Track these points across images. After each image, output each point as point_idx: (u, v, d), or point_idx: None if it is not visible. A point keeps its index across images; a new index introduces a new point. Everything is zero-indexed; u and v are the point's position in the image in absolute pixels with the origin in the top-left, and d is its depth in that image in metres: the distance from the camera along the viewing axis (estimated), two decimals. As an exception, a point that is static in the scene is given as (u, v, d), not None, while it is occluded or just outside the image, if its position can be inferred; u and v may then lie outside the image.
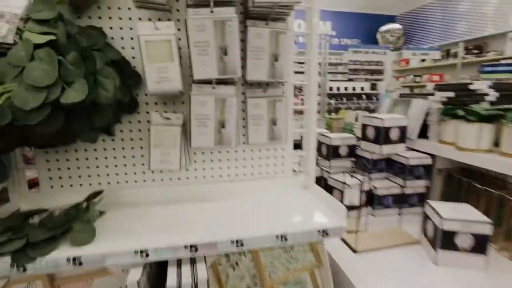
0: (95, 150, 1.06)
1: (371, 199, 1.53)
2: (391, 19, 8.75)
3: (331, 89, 6.70)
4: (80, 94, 0.68)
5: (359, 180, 1.37)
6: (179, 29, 1.01)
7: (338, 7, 8.29)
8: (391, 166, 1.61)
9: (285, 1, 0.89)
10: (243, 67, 1.01)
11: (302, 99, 1.24)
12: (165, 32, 0.84)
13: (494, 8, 6.31)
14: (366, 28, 8.77)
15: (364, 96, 7.03)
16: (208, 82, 0.96)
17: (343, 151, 1.70)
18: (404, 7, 8.54)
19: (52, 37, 0.73)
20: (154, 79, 0.85)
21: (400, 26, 8.43)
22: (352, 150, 1.71)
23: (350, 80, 7.93)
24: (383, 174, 1.65)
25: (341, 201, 1.46)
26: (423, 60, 7.46)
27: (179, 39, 0.99)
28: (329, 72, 7.70)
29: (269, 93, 1.08)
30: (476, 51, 6.47)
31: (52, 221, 0.83)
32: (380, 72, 8.35)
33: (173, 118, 1.00)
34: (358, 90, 6.80)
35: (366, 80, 7.93)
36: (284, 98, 1.07)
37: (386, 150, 1.53)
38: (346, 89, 6.76)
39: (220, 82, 0.99)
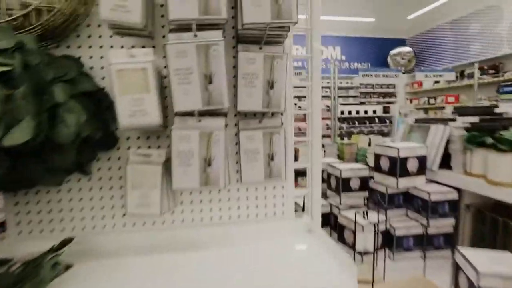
0: (69, 191, 0.94)
1: (389, 241, 1.34)
2: (401, 42, 8.72)
3: (342, 113, 6.57)
4: (25, 134, 0.56)
5: (373, 219, 1.20)
6: (164, 57, 0.91)
7: (347, 32, 8.34)
8: (410, 201, 1.43)
9: (278, 21, 0.78)
10: (235, 95, 0.89)
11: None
12: (141, 60, 0.74)
13: (508, 28, 6.17)
14: (376, 52, 8.75)
15: (377, 120, 6.86)
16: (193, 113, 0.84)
17: (354, 184, 1.53)
18: (413, 30, 8.51)
19: (5, 68, 0.63)
20: (127, 112, 0.74)
21: (411, 49, 8.36)
22: (364, 183, 1.54)
23: (362, 103, 7.82)
24: (401, 210, 1.45)
25: (354, 244, 1.27)
26: (437, 82, 7.30)
27: (165, 67, 0.89)
28: (340, 96, 7.62)
29: (265, 124, 0.95)
30: (492, 71, 6.28)
31: (3, 280, 0.69)
32: (392, 94, 8.21)
33: (154, 155, 0.87)
34: (370, 114, 6.64)
35: (378, 103, 7.80)
36: (283, 130, 0.94)
37: (404, 183, 1.36)
38: (358, 112, 6.62)
39: (208, 113, 0.87)
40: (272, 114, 0.99)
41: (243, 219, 1.03)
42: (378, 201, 1.41)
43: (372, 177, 1.50)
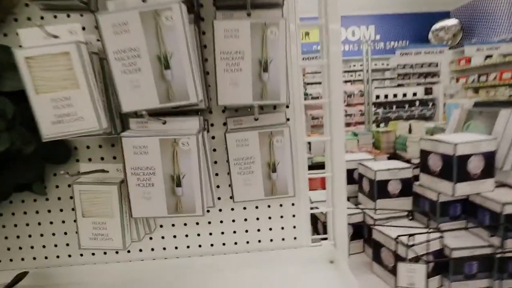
0: (24, 213, 0.76)
1: (443, 265, 1.02)
2: (444, 15, 7.78)
3: (377, 97, 6.02)
4: None
5: (421, 238, 0.90)
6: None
7: (381, 9, 7.59)
8: (472, 212, 1.09)
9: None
10: (211, 85, 0.63)
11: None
12: (63, 41, 0.50)
13: None
14: (415, 28, 7.91)
15: (417, 103, 6.20)
16: (157, 113, 0.60)
17: (393, 188, 1.22)
18: (459, 1, 7.54)
19: None
20: (48, 118, 0.51)
21: (457, 21, 7.44)
22: (407, 186, 1.22)
23: (400, 85, 7.12)
24: (459, 223, 1.12)
25: (394, 272, 0.98)
26: (489, 57, 6.42)
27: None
28: (375, 79, 7.01)
29: (263, 121, 0.69)
30: (559, 40, 5.33)
31: None
32: (435, 74, 7.38)
33: (111, 170, 0.65)
34: (409, 97, 6.01)
35: (419, 84, 7.05)
36: (287, 129, 0.67)
37: (463, 189, 1.02)
38: (395, 96, 6.02)
39: (179, 112, 0.63)
40: (274, 107, 0.72)
41: (241, 246, 0.79)
42: (427, 209, 1.09)
43: (416, 179, 1.18)
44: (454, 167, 1.00)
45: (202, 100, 0.57)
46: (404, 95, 5.98)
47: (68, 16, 0.67)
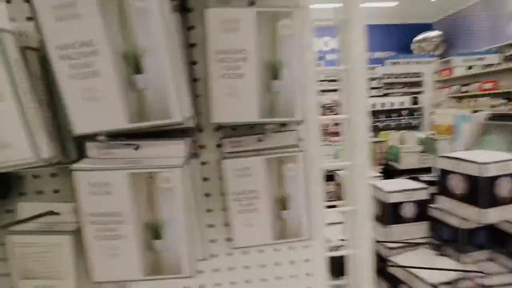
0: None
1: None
2: (426, 27, 7.96)
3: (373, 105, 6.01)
4: None
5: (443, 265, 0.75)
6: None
7: (366, 19, 7.69)
8: (499, 241, 0.96)
9: None
10: (199, 96, 0.47)
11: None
12: None
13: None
14: (399, 39, 8.06)
15: (404, 112, 6.23)
16: (126, 134, 0.43)
17: (408, 211, 1.08)
18: (440, 13, 7.75)
19: None
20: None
21: (439, 33, 7.61)
22: (422, 209, 1.08)
23: (386, 95, 7.16)
24: (484, 253, 0.98)
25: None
26: (470, 68, 6.57)
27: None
28: (362, 89, 7.03)
29: (269, 143, 0.53)
30: (537, 52, 5.51)
31: None
32: (418, 84, 7.48)
33: (65, 211, 0.47)
34: (397, 106, 6.02)
35: (404, 94, 7.11)
36: (302, 153, 0.51)
37: (493, 216, 0.89)
38: (383, 105, 6.02)
39: (153, 131, 0.46)
40: (283, 124, 0.56)
41: (242, 302, 0.61)
42: (447, 237, 0.95)
43: (431, 200, 1.04)
44: (482, 191, 0.87)
45: (189, 117, 0.40)
46: (392, 104, 5.98)
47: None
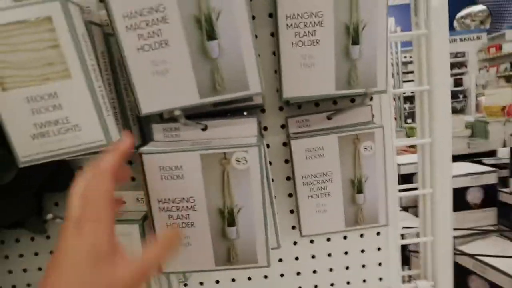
0: (20, 256, 0.58)
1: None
2: (470, 1, 7.32)
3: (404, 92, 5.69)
4: None
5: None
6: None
7: (399, 0, 7.21)
8: None
9: None
10: (275, 70, 0.43)
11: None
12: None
13: None
14: (438, 16, 7.47)
15: (446, 95, 5.82)
16: (194, 115, 0.40)
17: (475, 197, 0.98)
18: (486, -16, 7.07)
19: None
20: (25, 130, 0.32)
21: (484, 7, 6.97)
22: (491, 194, 0.98)
23: (425, 78, 6.72)
24: None
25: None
26: (522, 43, 5.97)
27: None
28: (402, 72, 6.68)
29: (341, 121, 0.48)
30: None
31: None
32: (462, 64, 6.94)
33: (129, 200, 0.45)
34: (438, 89, 5.64)
35: (445, 75, 6.63)
36: (380, 129, 0.45)
37: None
38: (422, 89, 5.67)
39: (223, 111, 0.42)
40: (353, 100, 0.51)
41: (309, 295, 0.57)
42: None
43: (502, 185, 0.93)
44: None
45: (262, 92, 0.36)
46: (432, 87, 5.61)
47: None
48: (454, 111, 5.79)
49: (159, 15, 0.31)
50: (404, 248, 0.69)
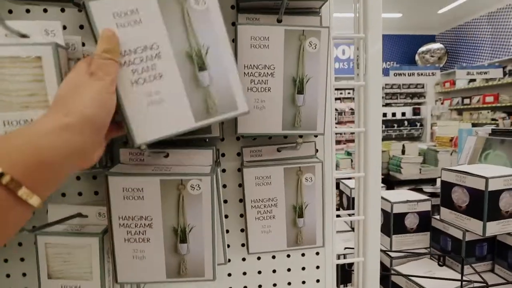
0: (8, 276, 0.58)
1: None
2: (430, 39, 8.04)
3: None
4: None
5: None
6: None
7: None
8: (499, 253, 0.98)
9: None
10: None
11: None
12: (35, 41, 0.35)
13: (557, 18, 5.45)
14: (403, 50, 8.12)
15: (406, 122, 6.28)
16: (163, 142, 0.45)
17: (411, 222, 1.10)
18: (444, 26, 7.83)
19: None
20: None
21: (442, 46, 7.68)
22: (425, 220, 1.10)
23: (388, 105, 7.22)
24: (485, 265, 1.01)
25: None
26: (472, 80, 6.64)
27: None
28: (364, 98, 7.07)
29: (288, 154, 0.55)
30: (539, 68, 5.56)
31: None
32: (421, 95, 7.56)
33: (91, 215, 0.49)
34: (399, 116, 6.07)
35: (406, 104, 7.17)
36: (320, 164, 0.53)
37: (493, 229, 0.91)
38: (385, 115, 6.07)
39: (179, 140, 0.48)
40: (301, 135, 0.59)
41: (253, 307, 0.63)
42: (448, 250, 0.97)
43: (434, 212, 1.07)
44: (485, 204, 0.89)
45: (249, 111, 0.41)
46: (394, 114, 6.03)
47: (45, 11, 0.52)
48: (412, 138, 6.25)
49: (153, 52, 0.37)
50: (350, 266, 0.77)
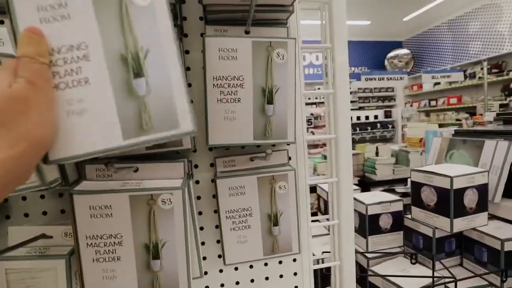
0: None
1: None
2: (397, 45, 8.45)
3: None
4: None
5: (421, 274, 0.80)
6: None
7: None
8: (467, 248, 1.03)
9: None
10: (198, 117, 0.49)
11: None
12: None
13: (509, 25, 5.91)
14: (373, 55, 8.46)
15: (378, 125, 6.51)
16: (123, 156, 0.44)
17: (385, 222, 1.13)
18: (410, 32, 8.25)
19: None
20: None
21: (408, 51, 8.09)
22: (398, 220, 1.14)
23: (361, 108, 7.47)
24: (454, 260, 1.06)
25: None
26: (437, 84, 7.03)
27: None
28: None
29: (261, 163, 0.56)
30: (495, 70, 5.98)
31: None
32: (391, 98, 7.90)
33: (56, 235, 0.47)
34: (371, 119, 6.28)
35: (378, 107, 7.45)
36: (293, 172, 0.54)
37: (460, 225, 0.96)
38: (358, 118, 6.26)
39: (149, 153, 0.47)
40: (273, 144, 0.59)
41: (232, 319, 0.62)
42: (420, 248, 1.01)
43: (406, 211, 1.11)
44: (450, 202, 0.94)
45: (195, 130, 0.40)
46: (367, 117, 6.23)
47: None
48: (384, 139, 6.49)
49: (80, 53, 0.32)
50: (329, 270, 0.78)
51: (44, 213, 0.53)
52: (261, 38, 0.46)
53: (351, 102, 7.73)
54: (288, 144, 0.60)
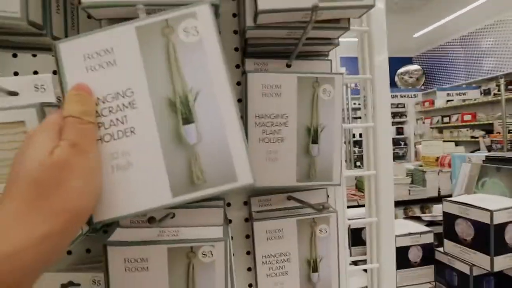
0: None
1: None
2: (407, 61, 8.42)
3: (353, 135, 6.15)
4: None
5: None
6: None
7: (351, 53, 8.06)
8: (507, 286, 0.95)
9: (328, 4, 0.36)
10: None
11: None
12: (19, 104, 0.31)
13: (524, 42, 5.84)
14: (383, 71, 8.43)
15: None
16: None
17: (414, 255, 1.07)
18: (420, 48, 8.24)
19: None
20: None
21: (419, 67, 8.04)
22: (428, 253, 1.08)
23: (372, 124, 7.39)
24: (494, 299, 0.98)
25: None
26: (450, 100, 6.93)
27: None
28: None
29: (298, 201, 0.52)
30: (511, 87, 5.87)
31: None
32: (402, 114, 7.80)
33: (84, 283, 0.43)
34: (383, 136, 6.21)
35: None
36: (334, 214, 0.50)
37: (501, 263, 0.89)
38: (370, 135, 6.18)
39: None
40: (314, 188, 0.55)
41: None
42: (455, 285, 0.94)
43: (437, 241, 1.04)
44: (491, 238, 0.87)
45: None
46: (378, 134, 6.15)
47: (15, 56, 0.48)
48: (397, 157, 6.36)
49: (126, 100, 0.29)
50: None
51: (69, 252, 0.50)
52: (307, 74, 0.43)
53: (360, 118, 7.65)
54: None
